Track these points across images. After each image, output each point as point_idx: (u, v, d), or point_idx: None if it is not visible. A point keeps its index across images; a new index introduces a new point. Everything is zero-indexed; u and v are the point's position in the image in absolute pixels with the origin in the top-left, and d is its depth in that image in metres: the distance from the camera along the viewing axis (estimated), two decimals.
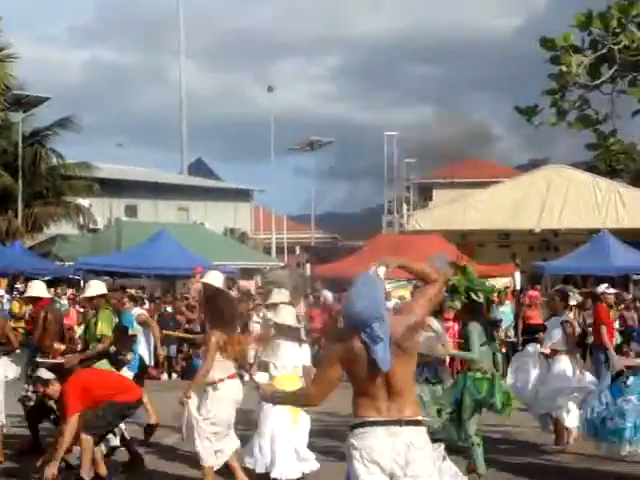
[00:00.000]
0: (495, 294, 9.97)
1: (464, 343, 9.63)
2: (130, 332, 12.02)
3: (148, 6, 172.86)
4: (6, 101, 31.84)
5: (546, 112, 6.97)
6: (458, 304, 9.70)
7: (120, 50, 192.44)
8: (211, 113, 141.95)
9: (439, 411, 9.54)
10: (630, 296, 21.54)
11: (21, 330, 14.52)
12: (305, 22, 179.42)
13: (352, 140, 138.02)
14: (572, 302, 20.91)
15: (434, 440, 5.73)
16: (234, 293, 20.36)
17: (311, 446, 9.59)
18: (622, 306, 20.13)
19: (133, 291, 24.84)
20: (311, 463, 9.38)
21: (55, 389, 9.10)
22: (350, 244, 46.76)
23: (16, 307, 18.33)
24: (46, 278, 24.57)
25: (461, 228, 31.23)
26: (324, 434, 11.06)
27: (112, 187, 38.33)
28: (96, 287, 10.74)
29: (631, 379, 9.93)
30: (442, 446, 9.48)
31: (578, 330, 11.73)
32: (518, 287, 23.76)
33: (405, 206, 47.35)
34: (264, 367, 9.51)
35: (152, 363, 16.51)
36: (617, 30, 6.33)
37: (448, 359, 11.26)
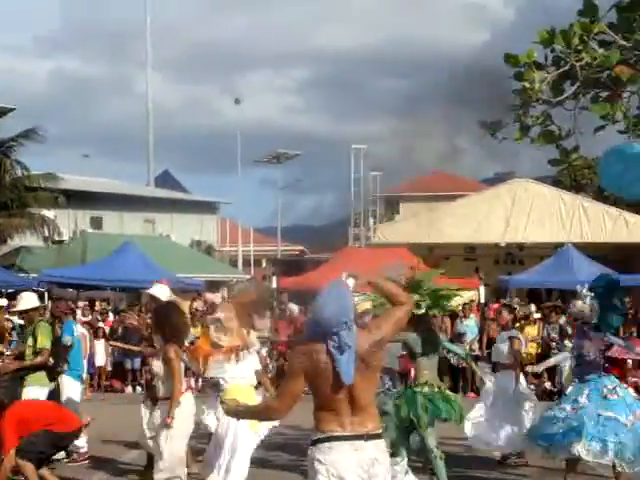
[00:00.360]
0: (447, 304, 9.89)
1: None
2: (70, 341, 11.88)
3: (115, 17, 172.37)
4: None
5: (510, 127, 7.05)
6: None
7: (86, 60, 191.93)
8: (178, 125, 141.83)
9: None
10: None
11: None
12: (273, 35, 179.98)
13: (319, 153, 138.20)
14: (536, 315, 21.20)
15: (392, 454, 5.73)
16: (200, 305, 20.29)
17: (272, 460, 9.55)
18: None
19: (97, 304, 24.75)
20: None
21: None
22: (316, 257, 46.76)
23: None
24: (9, 290, 24.42)
25: (427, 241, 31.30)
26: (284, 448, 11.04)
27: (77, 199, 38.05)
28: (29, 300, 10.65)
29: (569, 388, 10.02)
30: (405, 460, 9.50)
31: (523, 347, 12.02)
32: (482, 301, 23.91)
33: (372, 219, 47.43)
34: (214, 385, 9.38)
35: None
36: (579, 47, 6.41)
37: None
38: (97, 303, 25.70)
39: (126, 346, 16.55)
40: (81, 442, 10.98)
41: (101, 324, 22.03)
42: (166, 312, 8.99)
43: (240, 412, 5.78)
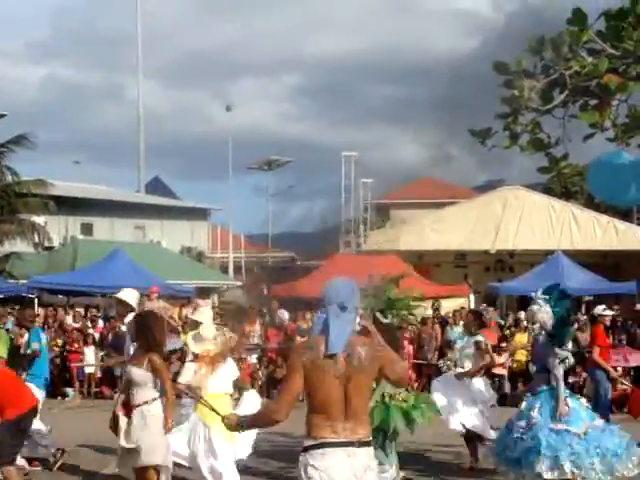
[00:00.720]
0: (407, 312, 9.89)
1: None
2: (35, 349, 11.83)
3: (106, 24, 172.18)
4: None
5: (499, 135, 7.06)
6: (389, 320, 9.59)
7: (78, 67, 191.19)
8: (169, 131, 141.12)
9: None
10: (584, 317, 21.73)
11: None
12: (265, 42, 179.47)
13: (311, 160, 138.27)
14: (526, 323, 21.21)
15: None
16: (190, 312, 20.23)
17: (261, 467, 9.51)
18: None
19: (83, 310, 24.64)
20: None
21: None
22: (307, 264, 46.76)
23: None
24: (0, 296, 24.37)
25: (418, 248, 31.33)
26: (274, 456, 11.01)
27: (68, 205, 38.00)
28: None
29: (523, 404, 9.97)
30: (394, 467, 9.50)
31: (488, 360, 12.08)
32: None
33: (362, 226, 47.50)
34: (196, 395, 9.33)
35: None
36: (568, 56, 6.44)
37: None
38: (85, 309, 25.62)
39: (120, 359, 16.47)
40: (49, 442, 11.00)
41: (91, 330, 21.94)
42: (147, 322, 8.85)
43: (243, 422, 5.65)
